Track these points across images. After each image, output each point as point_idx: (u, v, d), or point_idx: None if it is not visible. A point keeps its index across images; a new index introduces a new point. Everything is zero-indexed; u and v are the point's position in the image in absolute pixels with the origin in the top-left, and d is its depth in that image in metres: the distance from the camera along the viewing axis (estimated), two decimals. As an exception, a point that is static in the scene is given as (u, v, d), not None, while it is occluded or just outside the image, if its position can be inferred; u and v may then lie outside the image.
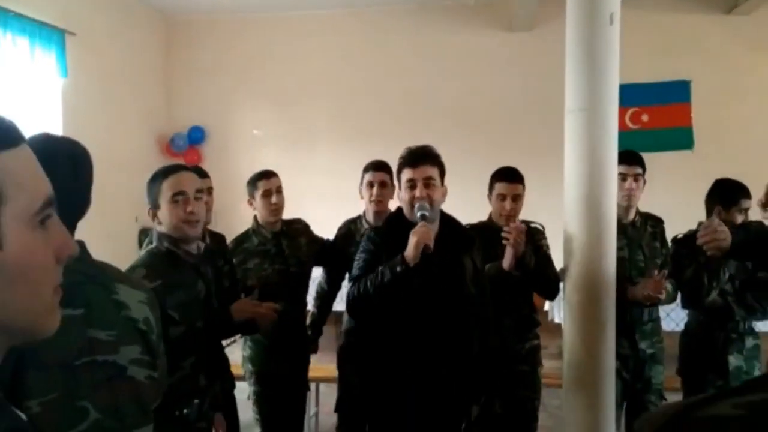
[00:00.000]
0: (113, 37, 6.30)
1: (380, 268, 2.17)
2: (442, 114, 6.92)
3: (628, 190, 2.85)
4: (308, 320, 3.29)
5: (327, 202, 5.63)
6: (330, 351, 3.34)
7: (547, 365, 3.18)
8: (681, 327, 3.19)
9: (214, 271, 2.24)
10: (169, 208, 1.99)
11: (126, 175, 5.29)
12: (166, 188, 1.99)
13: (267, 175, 3.02)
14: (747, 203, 2.86)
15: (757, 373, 2.89)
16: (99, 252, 1.36)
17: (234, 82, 7.33)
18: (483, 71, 6.92)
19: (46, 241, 0.66)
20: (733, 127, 6.16)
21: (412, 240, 2.11)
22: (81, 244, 1.26)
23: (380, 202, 3.02)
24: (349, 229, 3.15)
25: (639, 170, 2.88)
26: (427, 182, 2.22)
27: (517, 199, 2.87)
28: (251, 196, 3.02)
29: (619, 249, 2.65)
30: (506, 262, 2.63)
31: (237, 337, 2.91)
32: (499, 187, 2.89)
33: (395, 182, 2.47)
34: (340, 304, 3.22)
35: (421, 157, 2.26)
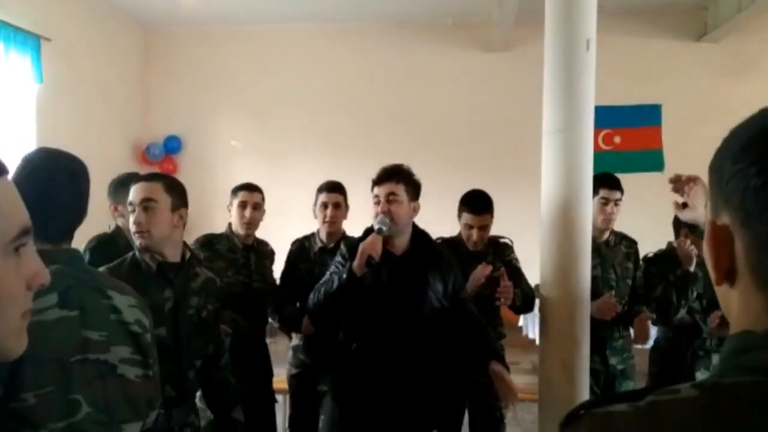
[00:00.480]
0: (90, 45, 6.25)
1: (333, 276, 2.31)
2: (419, 131, 6.99)
3: (609, 215, 2.91)
4: (275, 324, 3.27)
5: (303, 214, 5.61)
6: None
7: (521, 380, 3.21)
8: (650, 343, 3.25)
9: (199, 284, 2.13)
10: (128, 217, 2.06)
11: (100, 183, 5.18)
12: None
13: (249, 187, 3.03)
14: None
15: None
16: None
17: (211, 93, 7.32)
18: (460, 90, 7.02)
19: (17, 268, 0.67)
20: (701, 150, 6.29)
21: (359, 251, 2.22)
22: (76, 252, 1.36)
23: (333, 223, 3.04)
24: (303, 245, 3.16)
25: (619, 195, 2.93)
26: (390, 198, 2.30)
27: (484, 228, 2.92)
28: (230, 203, 3.03)
29: (593, 267, 2.68)
30: (470, 288, 2.70)
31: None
32: (466, 217, 2.93)
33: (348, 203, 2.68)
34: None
35: (388, 174, 2.36)
